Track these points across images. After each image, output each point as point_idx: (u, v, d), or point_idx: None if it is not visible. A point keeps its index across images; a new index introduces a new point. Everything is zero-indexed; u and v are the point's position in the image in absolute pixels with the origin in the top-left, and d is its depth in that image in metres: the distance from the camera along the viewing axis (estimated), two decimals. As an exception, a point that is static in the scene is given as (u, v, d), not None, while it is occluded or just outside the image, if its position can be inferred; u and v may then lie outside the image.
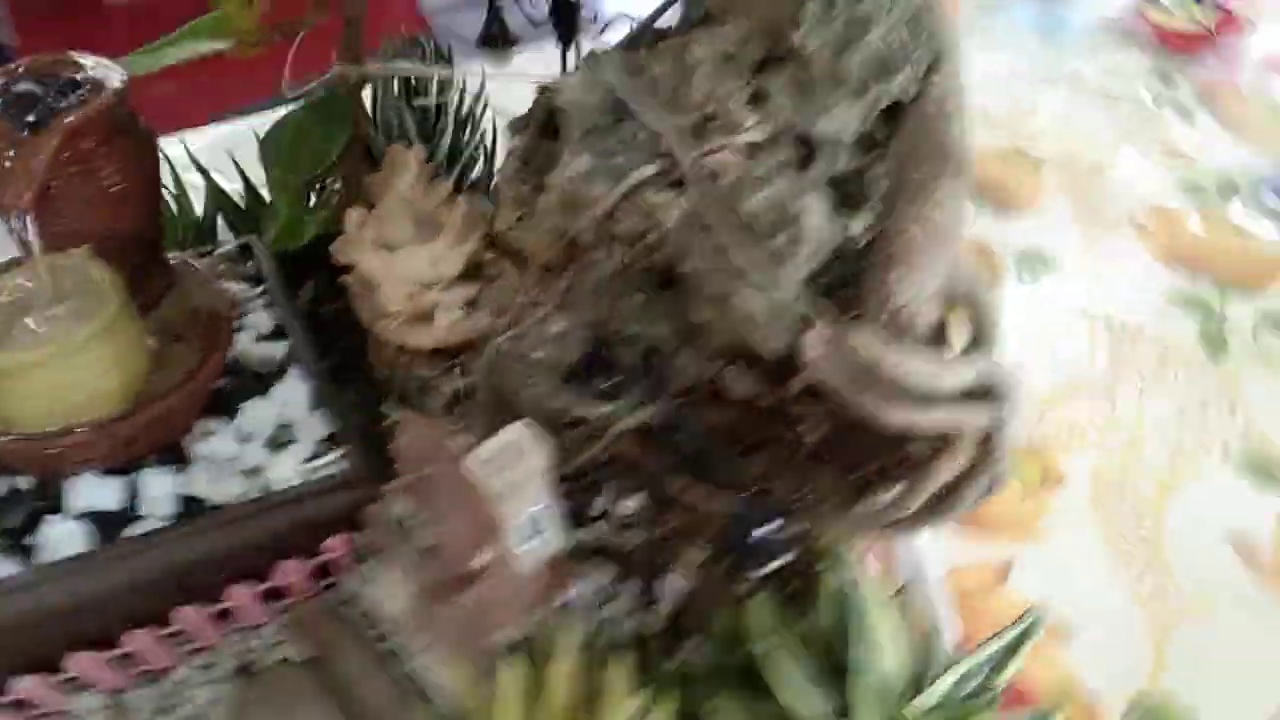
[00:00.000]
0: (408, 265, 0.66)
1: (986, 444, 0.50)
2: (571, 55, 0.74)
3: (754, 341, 0.51)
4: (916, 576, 0.72)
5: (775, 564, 0.52)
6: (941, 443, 0.50)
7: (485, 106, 0.86)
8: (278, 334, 0.73)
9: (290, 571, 0.64)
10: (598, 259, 0.53)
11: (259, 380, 0.69)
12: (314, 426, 0.68)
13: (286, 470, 0.65)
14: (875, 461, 0.53)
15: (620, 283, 0.54)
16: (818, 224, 0.50)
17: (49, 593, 0.58)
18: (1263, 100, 1.54)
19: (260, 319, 0.73)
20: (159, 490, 0.62)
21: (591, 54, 0.54)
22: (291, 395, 0.69)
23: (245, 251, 0.79)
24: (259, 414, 0.67)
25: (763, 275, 0.49)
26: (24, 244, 0.57)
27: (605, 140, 0.52)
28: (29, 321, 0.58)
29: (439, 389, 0.70)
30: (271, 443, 0.67)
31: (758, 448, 0.55)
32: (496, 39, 0.74)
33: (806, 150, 0.53)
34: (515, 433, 0.54)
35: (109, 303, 0.58)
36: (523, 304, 0.59)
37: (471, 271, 0.67)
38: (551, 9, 0.72)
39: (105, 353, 0.58)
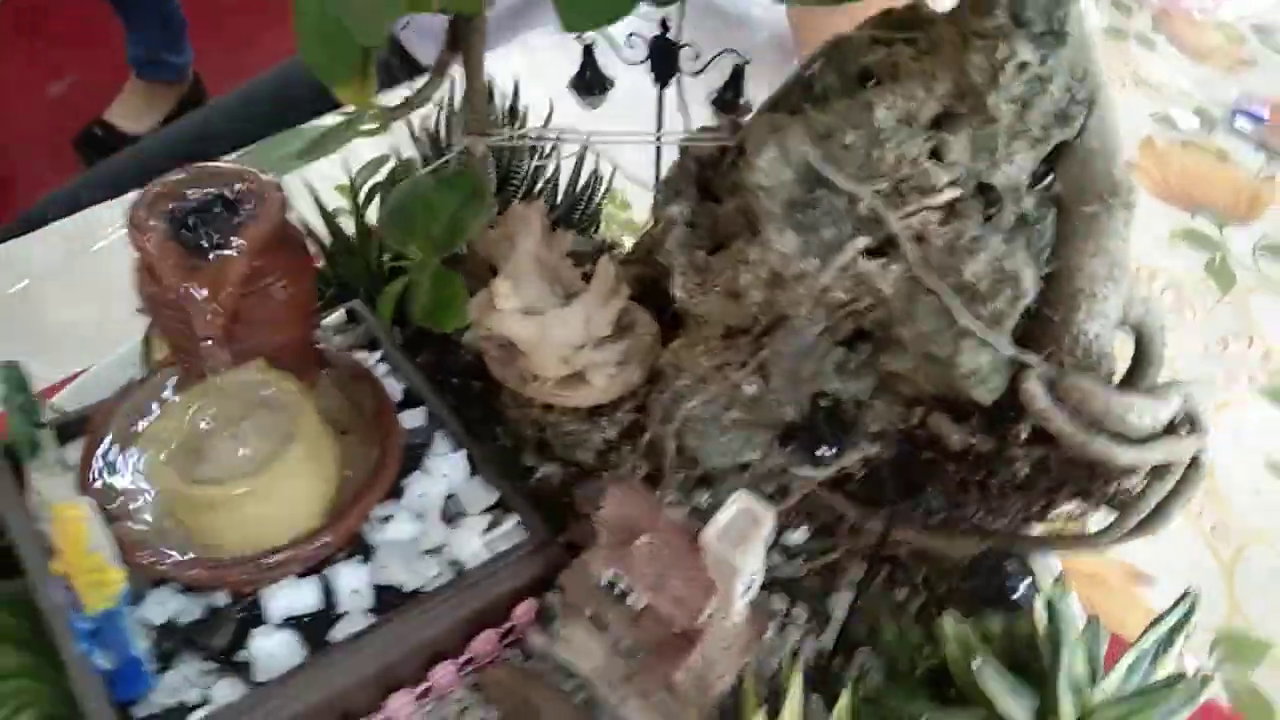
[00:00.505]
0: (562, 331, 0.66)
1: (1193, 467, 0.53)
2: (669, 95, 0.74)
3: (972, 393, 0.53)
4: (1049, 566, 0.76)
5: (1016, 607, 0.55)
6: (1154, 473, 0.53)
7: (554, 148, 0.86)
8: (410, 402, 0.73)
9: (484, 641, 0.66)
10: (801, 326, 0.55)
11: (412, 453, 0.69)
12: (477, 495, 0.69)
13: (468, 544, 0.66)
14: (1076, 486, 0.56)
15: (821, 343, 0.56)
16: (1032, 277, 0.52)
17: (271, 711, 0.58)
18: (1214, 23, 1.60)
19: (389, 387, 0.72)
20: (354, 584, 0.62)
21: (775, 124, 0.55)
22: (447, 466, 0.69)
23: (351, 316, 0.79)
24: (424, 489, 0.67)
25: (986, 333, 0.51)
26: (211, 367, 0.56)
27: (806, 214, 0.53)
28: (225, 446, 0.57)
29: (588, 441, 0.71)
30: (444, 517, 0.67)
31: (964, 486, 0.57)
32: (591, 84, 0.74)
33: (987, 199, 0.55)
34: (745, 501, 0.56)
35: (302, 417, 0.57)
36: (707, 368, 0.60)
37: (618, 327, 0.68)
38: (650, 49, 0.71)
39: (309, 471, 0.57)
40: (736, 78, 0.72)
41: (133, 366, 0.82)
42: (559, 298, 0.71)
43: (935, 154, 0.55)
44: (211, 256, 0.54)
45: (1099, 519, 0.60)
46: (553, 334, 0.67)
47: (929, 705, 0.65)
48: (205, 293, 0.54)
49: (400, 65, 1.36)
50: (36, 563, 0.59)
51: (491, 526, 0.67)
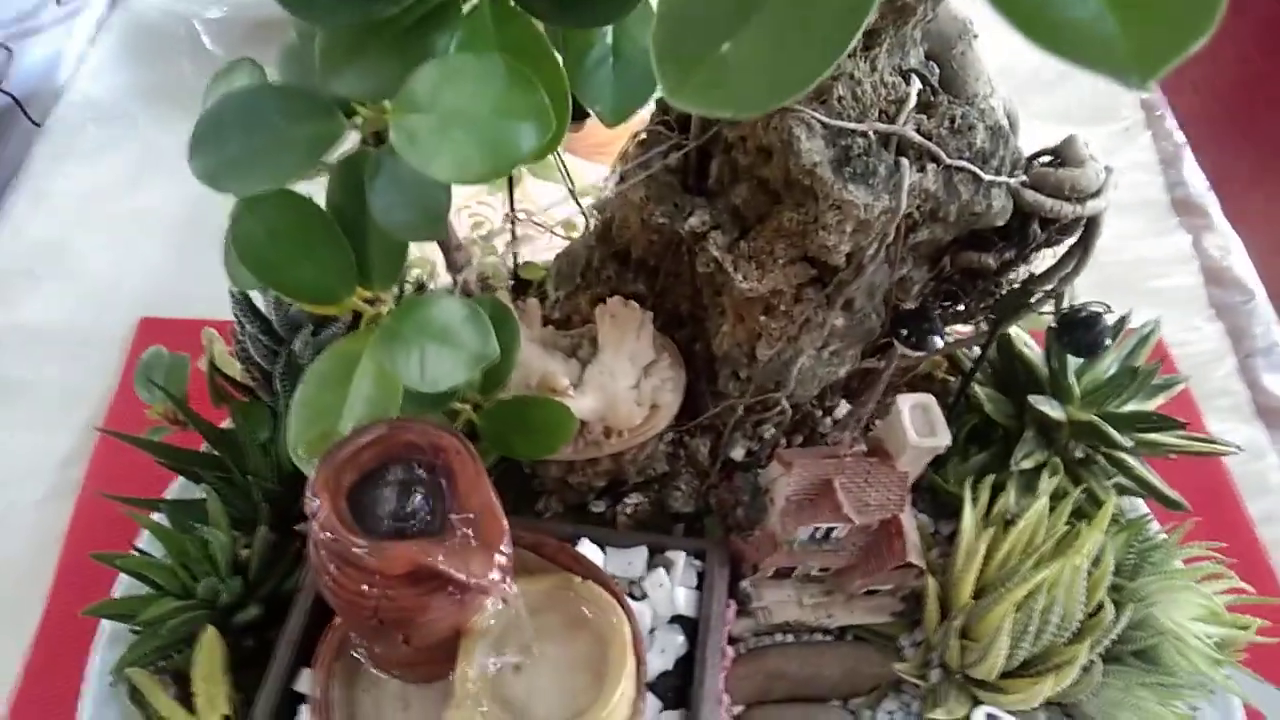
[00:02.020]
0: (620, 381, 0.68)
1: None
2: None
3: (996, 223, 0.67)
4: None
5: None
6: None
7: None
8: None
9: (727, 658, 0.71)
10: (872, 254, 0.64)
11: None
12: (627, 560, 0.71)
13: (670, 598, 0.69)
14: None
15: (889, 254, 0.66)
16: (1007, 120, 0.66)
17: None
18: None
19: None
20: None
21: (790, 116, 0.61)
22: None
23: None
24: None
25: (1002, 178, 0.65)
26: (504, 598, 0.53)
27: (853, 164, 0.61)
28: (532, 682, 0.55)
29: (656, 453, 0.75)
30: (630, 594, 0.69)
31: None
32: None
33: (931, 86, 0.67)
34: (905, 400, 0.66)
35: (599, 611, 0.57)
36: (793, 328, 0.67)
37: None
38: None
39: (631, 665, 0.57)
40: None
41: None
42: (566, 358, 0.72)
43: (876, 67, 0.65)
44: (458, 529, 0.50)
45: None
46: (619, 388, 0.69)
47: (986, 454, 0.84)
48: (488, 548, 0.50)
49: None
50: None
51: (670, 571, 0.70)
